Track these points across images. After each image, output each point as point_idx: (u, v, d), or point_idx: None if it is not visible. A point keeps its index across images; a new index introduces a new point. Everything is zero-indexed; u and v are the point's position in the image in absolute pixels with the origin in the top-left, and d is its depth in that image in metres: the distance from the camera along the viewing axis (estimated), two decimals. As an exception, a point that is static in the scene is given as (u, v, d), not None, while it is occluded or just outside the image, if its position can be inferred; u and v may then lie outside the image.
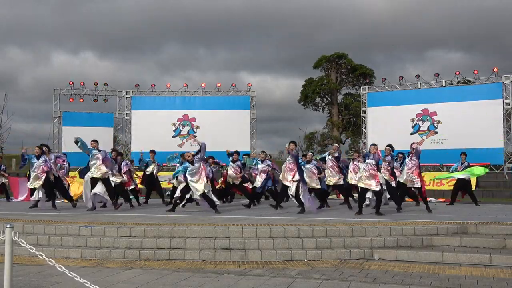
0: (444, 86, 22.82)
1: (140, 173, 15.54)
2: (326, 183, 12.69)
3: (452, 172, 15.24)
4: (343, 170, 12.93)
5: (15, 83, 57.28)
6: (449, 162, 20.02)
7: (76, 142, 11.39)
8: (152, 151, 15.05)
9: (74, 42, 68.34)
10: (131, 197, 13.66)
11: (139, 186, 15.11)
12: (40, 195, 12.06)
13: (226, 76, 65.70)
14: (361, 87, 26.75)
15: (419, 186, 12.11)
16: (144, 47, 71.71)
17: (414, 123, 22.92)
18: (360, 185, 10.50)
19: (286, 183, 10.94)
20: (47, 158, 11.92)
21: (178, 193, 11.92)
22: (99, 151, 11.62)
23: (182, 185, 11.48)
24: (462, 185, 14.66)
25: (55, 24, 67.73)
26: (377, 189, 10.41)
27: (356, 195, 12.34)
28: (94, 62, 68.30)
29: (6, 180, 16.86)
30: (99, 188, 11.55)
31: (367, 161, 10.46)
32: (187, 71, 69.17)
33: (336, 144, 13.77)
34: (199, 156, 10.90)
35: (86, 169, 11.99)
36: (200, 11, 64.02)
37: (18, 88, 57.27)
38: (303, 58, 66.14)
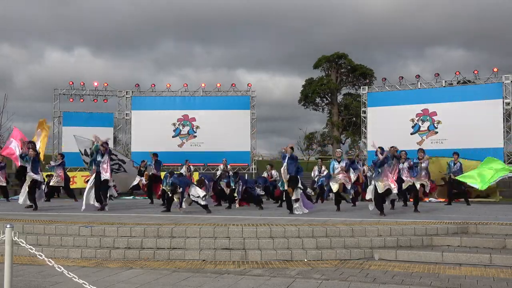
0: (444, 86, 22.81)
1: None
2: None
3: (448, 174, 15.12)
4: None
5: (9, 81, 57.00)
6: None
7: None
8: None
9: (68, 39, 68.27)
10: None
11: None
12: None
13: (223, 74, 65.61)
14: (361, 87, 26.76)
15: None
16: (139, 44, 71.63)
17: (414, 123, 22.92)
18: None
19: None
20: None
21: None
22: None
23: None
24: (456, 184, 14.70)
25: (48, 21, 67.60)
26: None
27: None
28: (89, 59, 68.22)
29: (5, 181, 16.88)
30: None
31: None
32: (183, 69, 69.08)
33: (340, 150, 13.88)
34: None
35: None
36: (197, 7, 63.92)
37: (12, 86, 57.06)
38: (302, 56, 66.06)
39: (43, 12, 67.46)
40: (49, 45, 72.41)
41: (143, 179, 16.09)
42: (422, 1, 59.50)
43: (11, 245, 4.29)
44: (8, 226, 4.36)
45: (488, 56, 57.40)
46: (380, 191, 10.48)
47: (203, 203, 11.36)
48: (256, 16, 66.01)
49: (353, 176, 12.86)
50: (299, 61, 70.56)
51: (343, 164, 12.31)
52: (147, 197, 17.03)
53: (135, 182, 16.51)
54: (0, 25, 61.98)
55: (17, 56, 66.01)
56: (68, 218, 9.67)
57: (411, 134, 22.76)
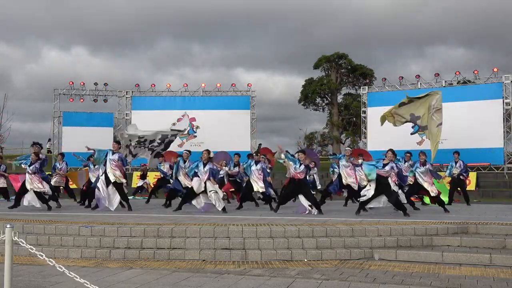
0: (444, 86, 22.78)
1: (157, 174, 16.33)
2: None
3: (448, 175, 15.16)
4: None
5: (7, 81, 56.80)
6: (449, 162, 20.02)
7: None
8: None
9: (65, 38, 67.93)
10: None
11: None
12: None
13: (222, 73, 65.37)
14: (361, 87, 26.77)
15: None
16: (137, 44, 71.40)
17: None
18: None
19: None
20: None
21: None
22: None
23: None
24: (457, 184, 14.73)
25: (45, 20, 67.24)
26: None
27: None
28: (87, 58, 67.98)
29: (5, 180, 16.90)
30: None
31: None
32: (182, 68, 68.91)
33: (349, 148, 14.15)
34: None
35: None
36: (196, 7, 63.66)
37: (11, 86, 56.90)
38: (302, 56, 65.86)
39: (40, 11, 67.16)
40: (46, 44, 72.15)
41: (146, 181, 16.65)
42: (422, 1, 59.45)
43: (11, 245, 4.30)
44: (8, 226, 4.36)
45: (488, 56, 57.38)
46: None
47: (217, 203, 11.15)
48: (256, 16, 65.84)
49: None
50: (299, 61, 70.42)
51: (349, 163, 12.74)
52: (146, 197, 17.04)
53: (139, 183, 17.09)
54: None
55: (15, 55, 65.81)
56: (68, 218, 9.67)
57: (411, 134, 22.67)
